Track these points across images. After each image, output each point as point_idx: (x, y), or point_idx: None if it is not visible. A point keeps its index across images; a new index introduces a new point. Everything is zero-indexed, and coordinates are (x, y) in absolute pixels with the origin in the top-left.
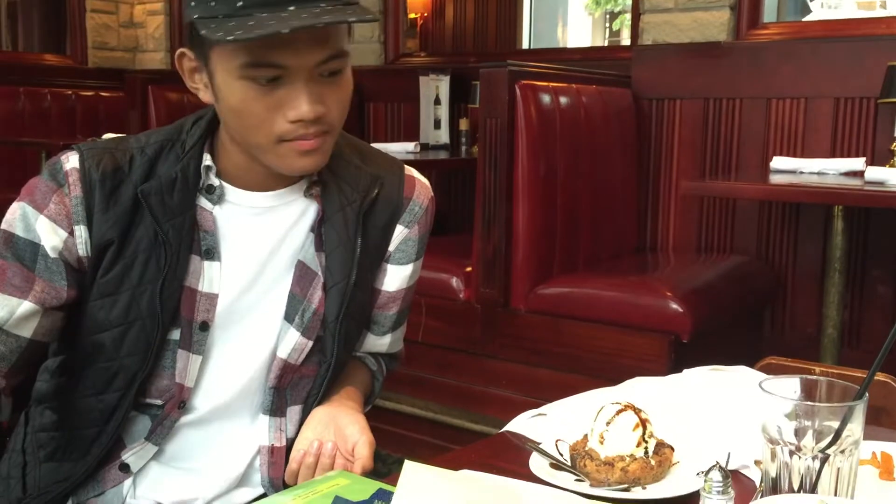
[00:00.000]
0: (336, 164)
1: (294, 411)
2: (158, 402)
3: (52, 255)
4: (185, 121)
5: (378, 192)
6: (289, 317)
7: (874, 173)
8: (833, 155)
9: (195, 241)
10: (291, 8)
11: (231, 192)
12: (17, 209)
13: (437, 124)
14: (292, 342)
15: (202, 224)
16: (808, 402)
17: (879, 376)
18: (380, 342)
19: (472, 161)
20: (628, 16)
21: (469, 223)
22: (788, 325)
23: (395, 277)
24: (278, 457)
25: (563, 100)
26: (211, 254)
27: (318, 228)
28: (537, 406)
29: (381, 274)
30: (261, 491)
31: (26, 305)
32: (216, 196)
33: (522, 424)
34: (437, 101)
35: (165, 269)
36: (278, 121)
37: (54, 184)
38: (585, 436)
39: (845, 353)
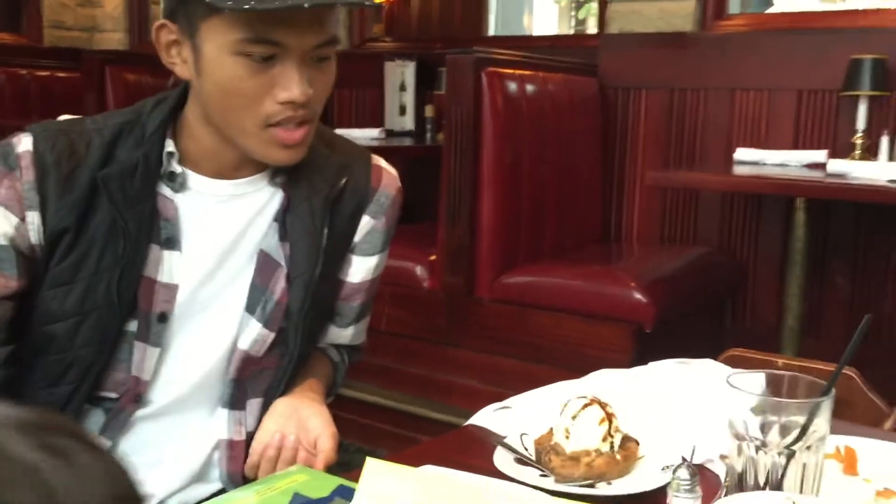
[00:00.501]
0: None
1: (254, 404)
2: (113, 395)
3: (2, 241)
4: (145, 103)
5: (346, 181)
6: (250, 308)
7: (836, 166)
8: (795, 147)
9: (155, 229)
10: None
11: (193, 179)
12: None
13: (403, 111)
14: (254, 333)
15: (163, 212)
16: (775, 398)
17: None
18: (343, 334)
19: (437, 148)
20: (594, 5)
21: (433, 211)
22: (750, 316)
23: (360, 268)
24: (237, 451)
25: (529, 88)
26: (171, 243)
27: (283, 218)
28: (501, 395)
29: (345, 265)
30: (219, 486)
31: None
32: (178, 184)
33: (487, 418)
34: (403, 88)
35: (124, 258)
36: (267, 102)
37: (5, 168)
38: (551, 430)
39: (806, 343)
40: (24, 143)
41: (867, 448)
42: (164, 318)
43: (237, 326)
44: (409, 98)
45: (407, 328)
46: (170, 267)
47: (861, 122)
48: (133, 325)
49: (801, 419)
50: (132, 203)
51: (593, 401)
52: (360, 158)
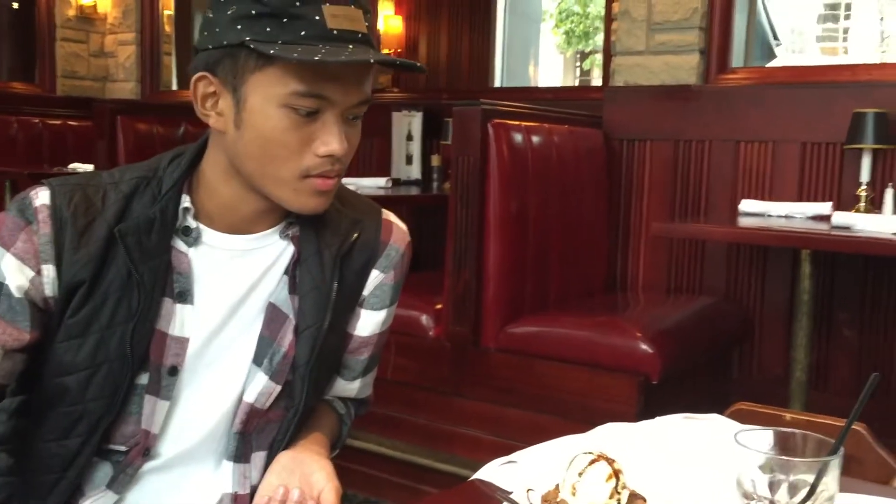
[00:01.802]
0: None
1: (259, 457)
2: (122, 448)
3: (16, 294)
4: (162, 158)
5: (357, 236)
6: (257, 360)
7: (841, 218)
8: (800, 198)
9: (168, 283)
10: (351, 47)
11: (207, 234)
12: None
13: (409, 160)
14: (259, 386)
15: (177, 266)
16: (783, 457)
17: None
18: (349, 387)
19: (443, 197)
20: (599, 56)
21: (439, 260)
22: (756, 367)
23: (368, 322)
24: None
25: (535, 139)
26: (184, 297)
27: (293, 270)
28: (506, 446)
29: (354, 318)
30: None
31: None
32: (192, 238)
33: (492, 472)
34: (410, 137)
35: (138, 311)
36: (307, 154)
37: (22, 220)
38: (557, 486)
39: (813, 396)
40: (41, 196)
41: None
42: (174, 371)
43: (244, 379)
44: (415, 148)
45: (412, 377)
46: (181, 320)
47: (865, 175)
48: (144, 378)
49: (810, 478)
50: (148, 257)
51: (600, 457)
52: (371, 213)
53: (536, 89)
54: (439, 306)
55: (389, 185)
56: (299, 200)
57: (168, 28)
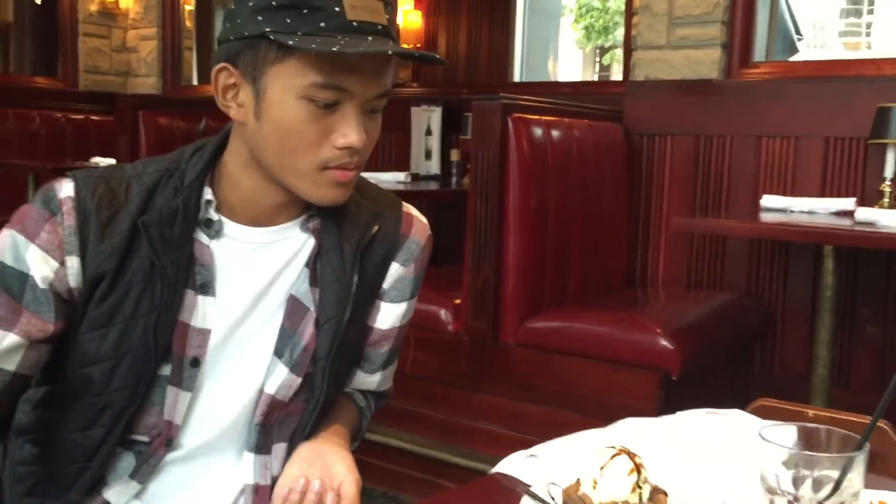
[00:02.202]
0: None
1: (279, 448)
2: (145, 438)
3: (41, 285)
4: (184, 151)
5: (377, 229)
6: (278, 352)
7: (864, 213)
8: (823, 194)
9: (191, 275)
10: (370, 38)
11: (229, 226)
12: (6, 237)
13: (428, 155)
14: (280, 378)
15: (199, 258)
16: (808, 452)
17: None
18: (369, 380)
19: (462, 192)
20: (618, 51)
21: (458, 255)
22: (778, 364)
23: (389, 315)
24: (263, 496)
25: (554, 133)
26: (206, 288)
27: (314, 263)
28: (525, 441)
29: (374, 311)
30: None
31: (11, 338)
32: (214, 230)
33: (513, 465)
34: (429, 132)
35: (161, 302)
36: (326, 146)
37: (47, 212)
38: (578, 480)
39: (835, 393)
40: (65, 188)
41: None
42: (196, 362)
43: (265, 371)
44: (434, 142)
45: (431, 372)
46: (203, 312)
47: (889, 170)
48: (166, 370)
49: (835, 474)
50: (171, 249)
51: (622, 451)
52: (392, 206)
53: (556, 84)
54: (458, 301)
55: (408, 179)
56: (318, 192)
57: (189, 23)
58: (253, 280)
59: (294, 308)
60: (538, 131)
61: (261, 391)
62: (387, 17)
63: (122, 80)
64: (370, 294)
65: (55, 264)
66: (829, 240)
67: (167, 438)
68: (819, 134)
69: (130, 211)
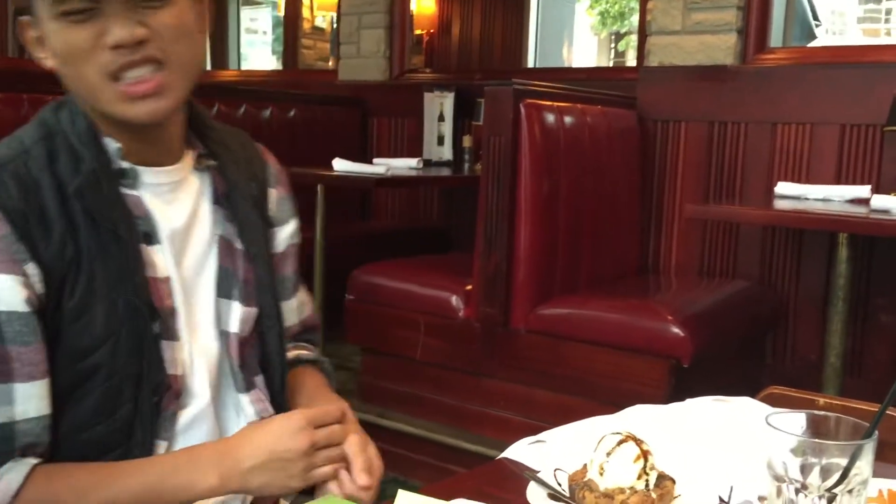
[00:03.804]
0: (210, 132)
1: (259, 381)
2: (157, 398)
3: (26, 308)
4: (44, 113)
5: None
6: (224, 291)
7: (880, 201)
8: (838, 182)
9: (134, 228)
10: None
11: (139, 171)
12: None
13: (441, 141)
14: (238, 314)
15: (134, 210)
16: (816, 440)
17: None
18: (292, 306)
19: (474, 178)
20: (634, 37)
21: (470, 241)
22: (790, 352)
23: (282, 237)
24: None
25: (567, 119)
26: (150, 238)
27: (225, 201)
28: (535, 427)
29: (270, 239)
30: None
31: (19, 388)
32: (132, 179)
33: (521, 451)
34: (441, 118)
35: (128, 264)
36: (101, 52)
37: None
38: (585, 466)
39: (848, 382)
40: None
41: None
42: (172, 311)
43: (220, 310)
44: (447, 128)
45: (442, 358)
46: (155, 261)
47: None
48: (157, 327)
49: (843, 461)
50: (110, 209)
51: (629, 437)
52: (242, 134)
53: (569, 69)
54: (469, 287)
55: (420, 165)
56: (121, 108)
57: None
58: (177, 222)
59: (225, 247)
60: (551, 117)
61: (224, 333)
62: None
63: None
64: (265, 222)
65: (21, 279)
66: (844, 227)
67: (176, 392)
68: (835, 121)
69: (49, 190)
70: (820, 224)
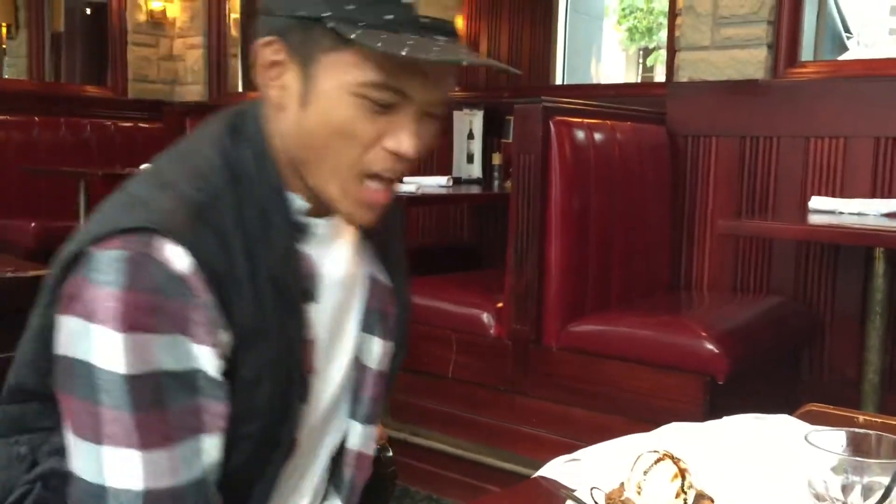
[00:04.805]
0: None
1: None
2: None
3: (217, 377)
4: (225, 146)
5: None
6: (368, 328)
7: None
8: (873, 195)
9: (305, 291)
10: (439, 39)
11: (313, 225)
12: (124, 343)
13: (470, 159)
14: (379, 350)
15: (305, 269)
16: (857, 458)
17: None
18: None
19: (504, 196)
20: (662, 52)
21: (501, 258)
22: (827, 369)
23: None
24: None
25: (597, 136)
26: (310, 296)
27: (372, 240)
28: (569, 445)
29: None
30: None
31: (209, 440)
32: (306, 234)
33: (556, 469)
34: (471, 136)
35: (300, 332)
36: (374, 148)
37: (180, 298)
38: (622, 484)
39: (887, 399)
40: (177, 256)
41: None
42: (314, 371)
43: (358, 345)
44: (476, 146)
45: (474, 375)
46: (314, 321)
47: None
48: (301, 394)
49: (885, 480)
50: (293, 274)
51: (666, 455)
52: None
53: (598, 86)
54: (500, 305)
55: (450, 183)
56: (345, 203)
57: (234, 31)
58: (338, 274)
59: (376, 288)
60: (580, 134)
61: (362, 366)
62: (457, 14)
63: (168, 89)
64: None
65: (216, 352)
66: (879, 242)
67: (287, 454)
68: (869, 134)
69: (240, 249)
70: (854, 239)
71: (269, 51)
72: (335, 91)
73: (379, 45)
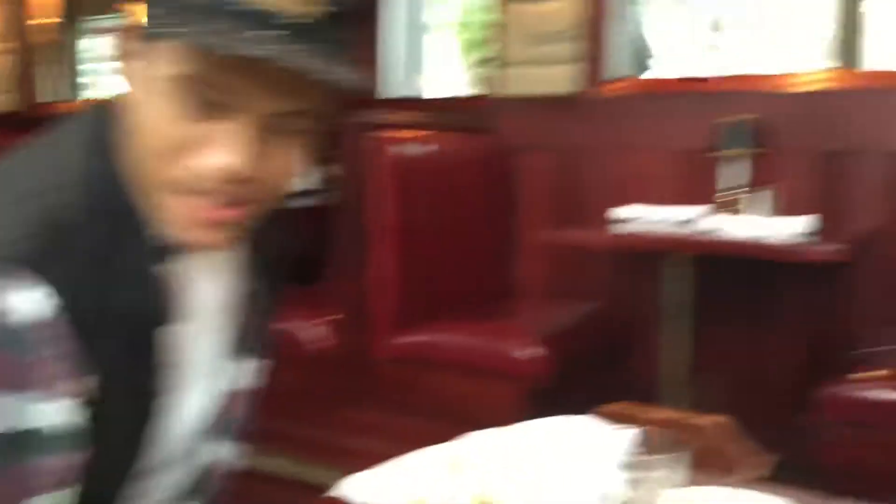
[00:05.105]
0: None
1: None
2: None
3: (60, 426)
4: (90, 155)
5: None
6: (245, 347)
7: (708, 222)
8: (676, 203)
9: (164, 311)
10: (304, 44)
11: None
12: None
13: (311, 170)
14: (250, 367)
15: (162, 291)
16: (641, 457)
17: (718, 418)
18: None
19: (330, 208)
20: (487, 68)
21: (328, 272)
22: (641, 369)
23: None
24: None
25: (423, 149)
26: (170, 319)
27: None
28: (392, 457)
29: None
30: None
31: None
32: (172, 255)
33: (353, 486)
34: None
35: (154, 356)
36: (196, 159)
37: (14, 351)
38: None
39: (689, 393)
40: (23, 302)
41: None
42: (168, 397)
43: (228, 368)
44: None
45: (301, 390)
46: (177, 344)
47: (732, 180)
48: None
49: (665, 474)
50: (150, 296)
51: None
52: None
53: (426, 100)
54: (329, 318)
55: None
56: (175, 225)
57: (42, 37)
58: (209, 297)
59: (257, 305)
60: (407, 147)
61: (233, 387)
62: (328, 9)
63: None
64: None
65: (72, 400)
66: (675, 246)
67: (141, 477)
68: (668, 147)
69: (92, 274)
70: (652, 245)
71: (134, 40)
72: (159, 84)
73: (185, 30)
